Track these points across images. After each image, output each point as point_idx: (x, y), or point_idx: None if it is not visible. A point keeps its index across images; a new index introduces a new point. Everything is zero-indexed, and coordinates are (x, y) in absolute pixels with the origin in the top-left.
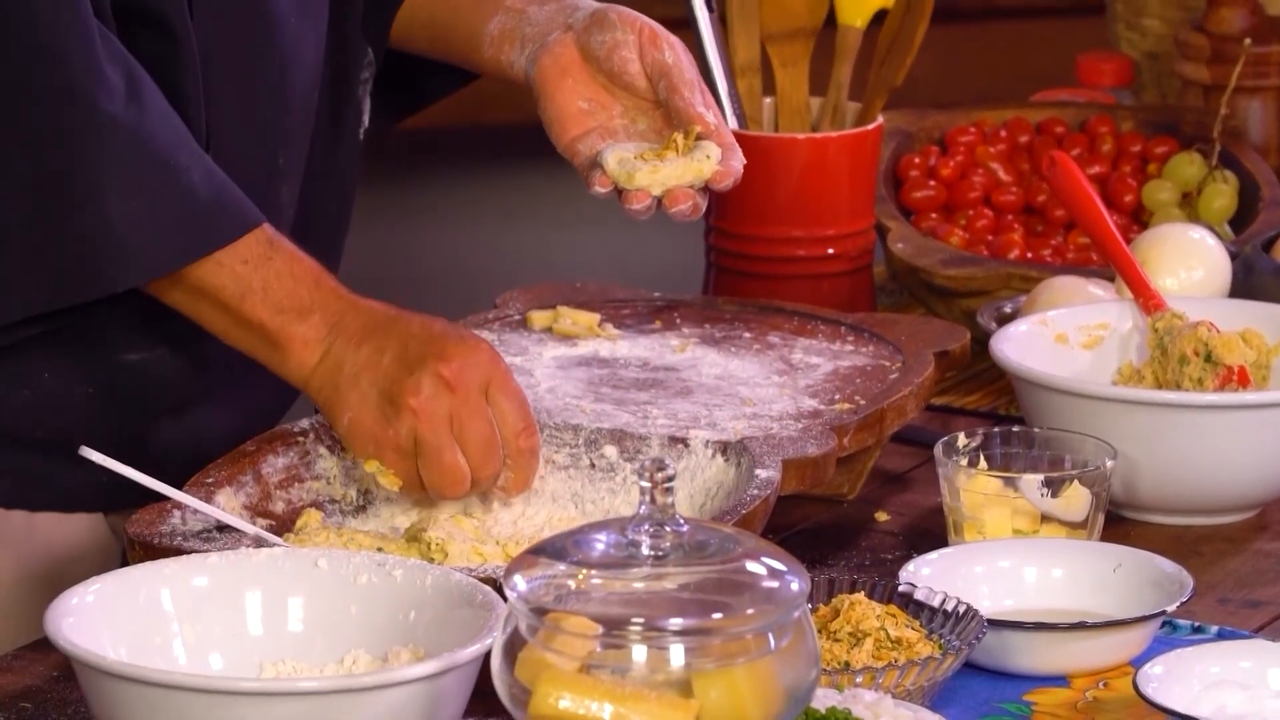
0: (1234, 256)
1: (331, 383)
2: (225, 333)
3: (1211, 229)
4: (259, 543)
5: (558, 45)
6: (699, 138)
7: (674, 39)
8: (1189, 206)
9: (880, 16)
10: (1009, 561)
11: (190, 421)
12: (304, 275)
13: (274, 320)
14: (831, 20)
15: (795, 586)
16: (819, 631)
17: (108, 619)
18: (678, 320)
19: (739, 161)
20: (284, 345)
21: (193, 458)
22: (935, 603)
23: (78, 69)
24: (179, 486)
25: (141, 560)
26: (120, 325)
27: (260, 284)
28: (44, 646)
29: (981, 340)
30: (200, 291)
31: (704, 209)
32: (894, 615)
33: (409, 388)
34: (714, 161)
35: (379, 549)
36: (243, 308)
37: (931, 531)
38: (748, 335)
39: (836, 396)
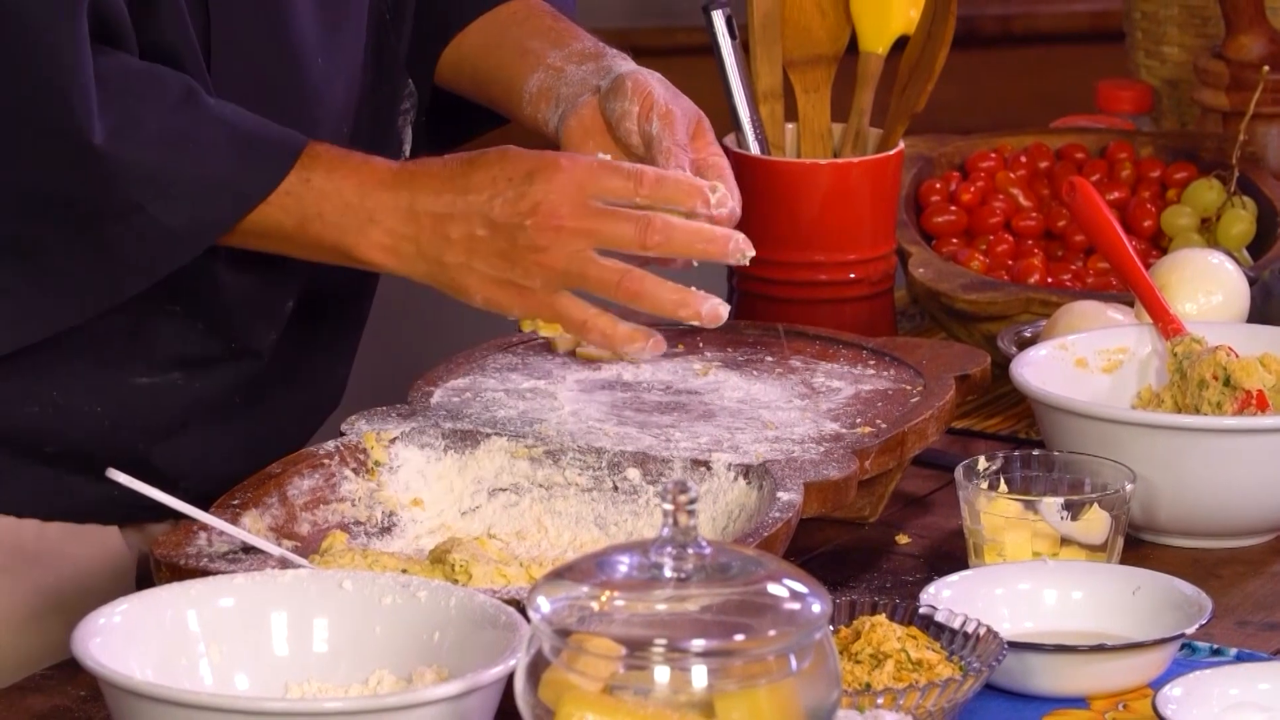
0: (1252, 282)
1: (444, 275)
2: (308, 258)
3: (1230, 254)
4: (284, 564)
5: (584, 108)
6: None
7: (676, 110)
8: (1208, 232)
9: (901, 43)
10: (1029, 584)
11: (203, 443)
12: (346, 183)
13: (342, 239)
14: (853, 47)
15: (817, 608)
16: (840, 653)
17: (135, 639)
18: (700, 344)
19: (736, 202)
20: (361, 255)
21: (205, 479)
22: (956, 625)
23: (74, 105)
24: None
25: (168, 581)
26: (131, 351)
27: (314, 208)
28: (71, 666)
29: (1002, 364)
30: (263, 234)
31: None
32: (915, 637)
33: (522, 250)
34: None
35: (404, 570)
36: (308, 234)
37: (952, 554)
38: (770, 359)
39: (858, 420)
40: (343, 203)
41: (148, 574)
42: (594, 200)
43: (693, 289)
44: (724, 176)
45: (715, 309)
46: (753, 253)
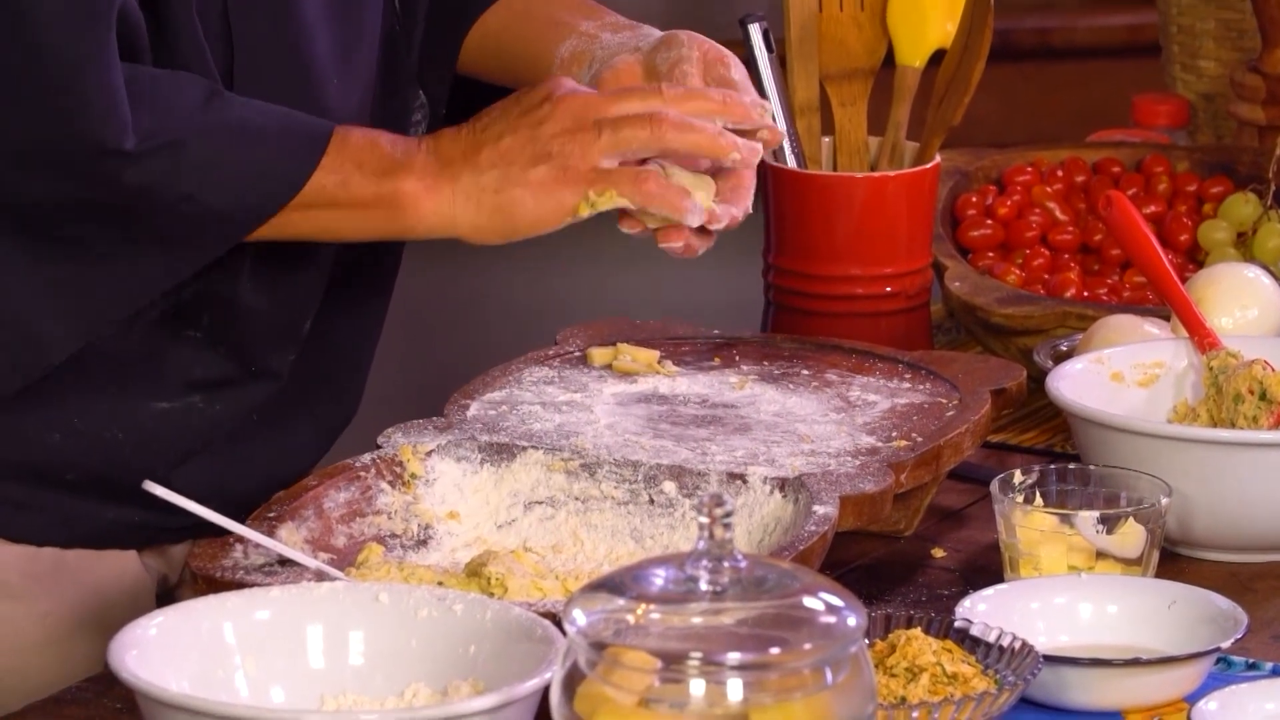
0: None
1: (488, 203)
2: (348, 228)
3: (1266, 268)
4: (320, 577)
5: (621, 64)
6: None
7: (738, 62)
8: (1244, 246)
9: (938, 56)
10: (1064, 598)
11: (222, 465)
12: (378, 140)
13: (383, 186)
14: (890, 60)
15: (852, 622)
16: (875, 666)
17: (171, 652)
18: (737, 357)
19: (740, 210)
20: (409, 205)
21: (224, 499)
22: (991, 638)
23: (96, 121)
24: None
25: (204, 593)
26: (151, 377)
27: (354, 160)
28: (107, 679)
29: (1038, 378)
30: (307, 205)
31: (701, 250)
32: (950, 651)
33: (549, 134)
34: (708, 196)
35: (439, 583)
36: (351, 191)
37: (987, 568)
38: (806, 373)
39: (894, 434)
40: (379, 153)
41: (167, 596)
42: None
43: (725, 130)
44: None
45: (751, 145)
46: (776, 116)
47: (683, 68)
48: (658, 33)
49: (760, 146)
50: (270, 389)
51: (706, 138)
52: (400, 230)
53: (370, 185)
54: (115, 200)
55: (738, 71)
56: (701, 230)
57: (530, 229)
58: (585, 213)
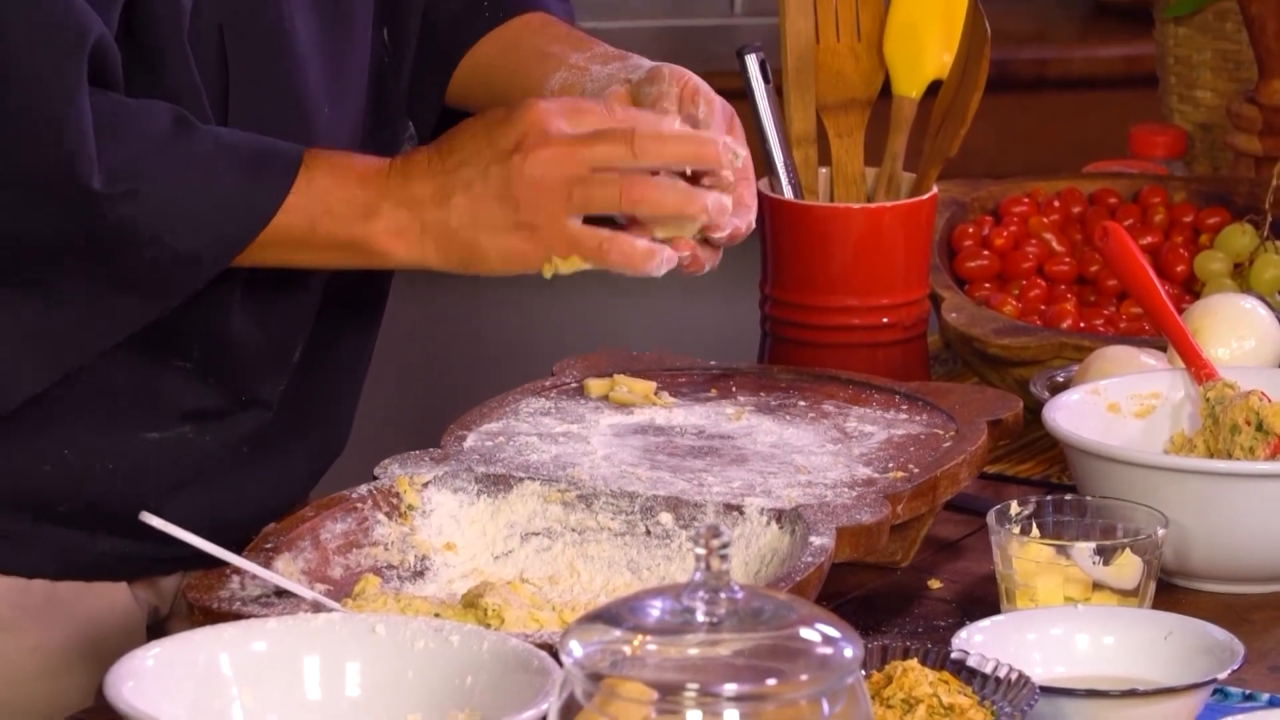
0: None
1: (455, 244)
2: (321, 264)
3: (1263, 299)
4: (317, 608)
5: (612, 96)
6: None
7: (715, 98)
8: (1241, 277)
9: (935, 87)
10: (1061, 629)
11: (213, 495)
12: (348, 176)
13: (352, 231)
14: (886, 91)
15: (849, 653)
16: (872, 698)
17: (167, 683)
18: (733, 389)
19: (744, 221)
20: (378, 248)
21: (215, 529)
22: (988, 669)
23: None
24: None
25: (200, 624)
26: (142, 407)
27: (321, 205)
28: (100, 711)
29: (1034, 409)
30: (278, 244)
31: (709, 267)
32: (947, 682)
33: (519, 185)
34: (693, 227)
35: (436, 615)
36: (319, 233)
37: (984, 599)
38: (803, 404)
39: (890, 465)
40: (347, 195)
41: (158, 628)
42: (577, 126)
43: (695, 188)
44: (749, 177)
45: (719, 200)
46: (745, 152)
47: (662, 104)
48: (647, 63)
49: (729, 203)
50: (261, 419)
51: (674, 202)
52: (372, 265)
53: (339, 229)
54: (83, 237)
55: (704, 109)
56: (707, 243)
57: (499, 273)
58: (549, 274)
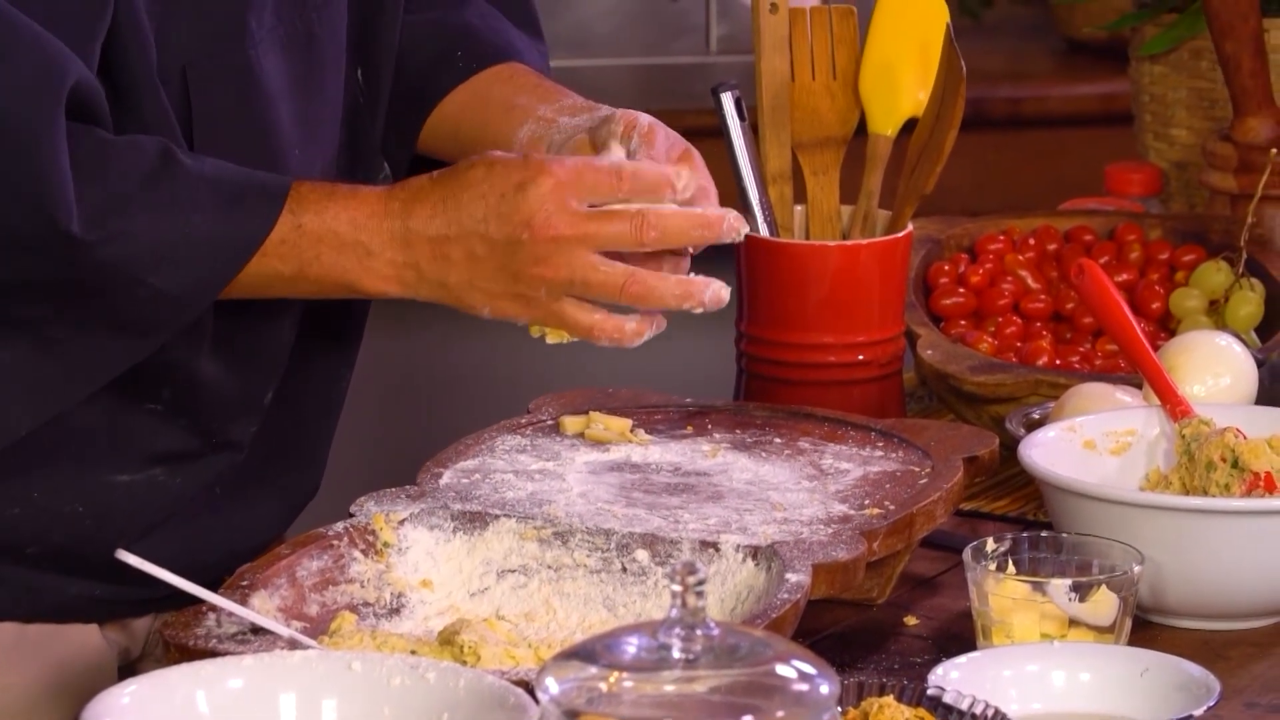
0: (1260, 364)
1: (449, 295)
2: (315, 295)
3: (1238, 336)
4: (293, 645)
5: (575, 144)
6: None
7: (660, 132)
8: (1216, 314)
9: (910, 125)
10: (1037, 665)
11: (184, 537)
12: (338, 220)
13: (343, 275)
14: (862, 129)
15: (825, 689)
16: None
17: None
18: (709, 426)
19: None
20: (366, 289)
21: (188, 571)
22: (964, 706)
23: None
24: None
25: (176, 662)
26: (113, 450)
27: (310, 252)
28: None
29: (1010, 446)
30: (266, 284)
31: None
32: (923, 718)
33: (522, 263)
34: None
35: (412, 652)
36: (307, 276)
37: (960, 635)
38: (778, 441)
39: (866, 501)
40: (338, 242)
41: (129, 670)
42: (585, 203)
43: (693, 276)
44: (710, 200)
45: (717, 293)
46: (746, 229)
47: (610, 144)
48: (609, 110)
49: (726, 294)
50: (232, 460)
51: (674, 296)
52: (360, 297)
53: (328, 274)
54: (67, 281)
55: (636, 141)
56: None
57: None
58: (535, 335)
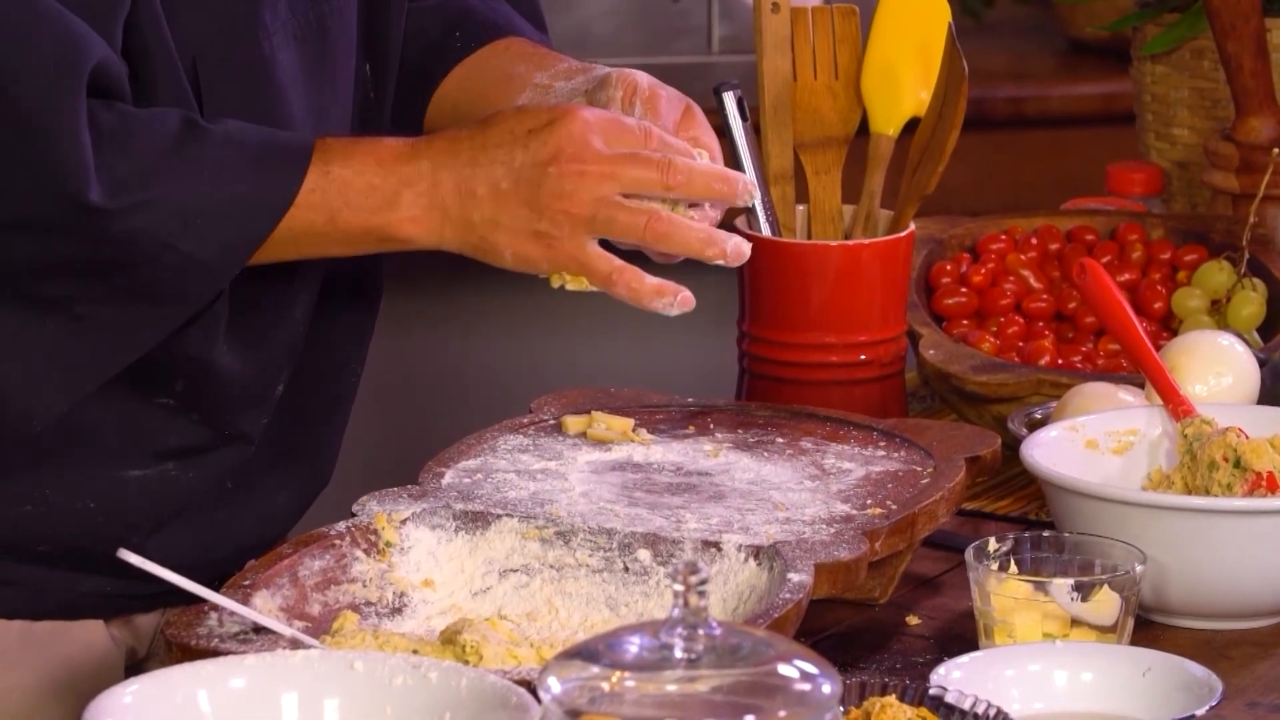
0: (1263, 363)
1: (473, 236)
2: (343, 252)
3: (1240, 336)
4: (295, 645)
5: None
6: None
7: (663, 94)
8: (1218, 314)
9: (912, 125)
10: (1039, 665)
11: (196, 532)
12: (366, 164)
13: (372, 220)
14: (864, 129)
15: (827, 689)
16: None
17: (145, 719)
18: (711, 425)
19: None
20: (399, 235)
21: (198, 566)
22: (966, 706)
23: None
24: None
25: (179, 662)
26: (122, 443)
27: (340, 198)
28: None
29: (1012, 446)
30: (297, 239)
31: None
32: (925, 718)
33: (547, 197)
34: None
35: (415, 651)
36: (339, 226)
37: (962, 635)
38: (780, 440)
39: (868, 501)
40: (367, 185)
41: (135, 669)
42: (612, 148)
43: (719, 231)
44: (714, 157)
45: (738, 247)
46: (758, 194)
47: (611, 109)
48: (605, 70)
49: (747, 250)
50: (243, 454)
51: (697, 242)
52: (391, 250)
53: (360, 219)
54: (95, 255)
55: (640, 109)
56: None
57: (512, 269)
58: (555, 285)
